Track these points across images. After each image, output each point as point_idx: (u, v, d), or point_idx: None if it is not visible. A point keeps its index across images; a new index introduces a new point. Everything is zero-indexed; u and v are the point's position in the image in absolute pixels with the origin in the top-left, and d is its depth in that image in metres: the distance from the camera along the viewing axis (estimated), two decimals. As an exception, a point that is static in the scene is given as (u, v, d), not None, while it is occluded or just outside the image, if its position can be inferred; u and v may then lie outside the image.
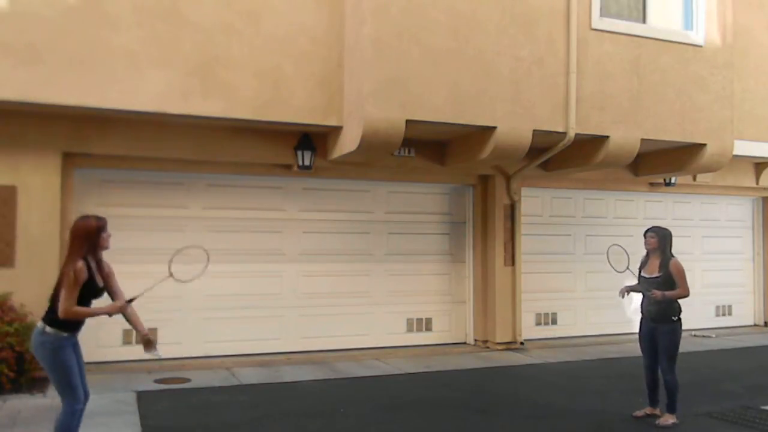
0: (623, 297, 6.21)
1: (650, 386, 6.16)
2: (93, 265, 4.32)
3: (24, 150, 7.26)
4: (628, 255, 6.11)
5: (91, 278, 4.26)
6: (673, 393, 5.90)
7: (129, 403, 6.32)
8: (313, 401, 6.67)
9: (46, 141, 7.33)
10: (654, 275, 6.01)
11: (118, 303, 4.37)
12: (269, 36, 7.59)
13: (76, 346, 4.38)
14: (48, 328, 4.21)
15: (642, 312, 6.17)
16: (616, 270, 6.08)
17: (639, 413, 6.17)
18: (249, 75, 7.49)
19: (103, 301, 4.41)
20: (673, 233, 6.22)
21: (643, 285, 6.08)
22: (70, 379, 4.26)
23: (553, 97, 8.17)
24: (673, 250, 6.15)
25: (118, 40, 7.01)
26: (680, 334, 5.98)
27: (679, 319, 5.96)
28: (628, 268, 6.10)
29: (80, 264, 4.19)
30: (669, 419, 5.89)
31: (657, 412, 6.09)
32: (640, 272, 6.19)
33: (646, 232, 6.18)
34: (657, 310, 5.96)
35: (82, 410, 4.33)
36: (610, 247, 6.28)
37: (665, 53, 8.80)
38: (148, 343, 4.40)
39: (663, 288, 5.92)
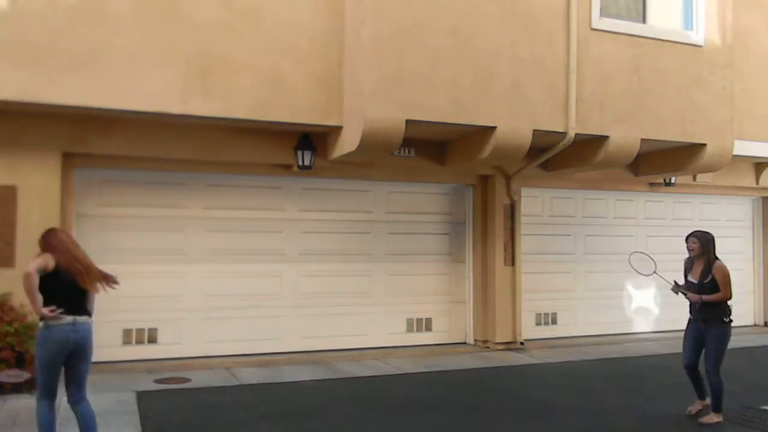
0: (676, 293, 6.19)
1: (694, 382, 6.22)
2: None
3: (24, 150, 7.25)
4: (653, 259, 6.28)
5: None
6: (717, 394, 5.95)
7: (129, 403, 6.33)
8: (313, 401, 6.67)
9: (46, 141, 7.33)
10: (703, 281, 6.01)
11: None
12: (269, 36, 7.59)
13: None
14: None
15: (691, 313, 6.18)
16: (643, 274, 6.21)
17: (693, 408, 6.21)
18: (249, 75, 7.49)
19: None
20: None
21: (693, 289, 6.08)
22: None
23: (553, 97, 8.17)
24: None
25: (118, 40, 7.00)
26: (729, 336, 6.00)
27: (730, 320, 5.99)
28: (655, 271, 6.28)
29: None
30: (714, 418, 5.96)
31: (707, 402, 6.13)
32: (686, 277, 6.22)
33: (688, 237, 6.18)
34: (707, 311, 5.97)
35: None
36: (631, 254, 6.45)
37: (665, 53, 8.80)
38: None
39: (712, 293, 5.95)
